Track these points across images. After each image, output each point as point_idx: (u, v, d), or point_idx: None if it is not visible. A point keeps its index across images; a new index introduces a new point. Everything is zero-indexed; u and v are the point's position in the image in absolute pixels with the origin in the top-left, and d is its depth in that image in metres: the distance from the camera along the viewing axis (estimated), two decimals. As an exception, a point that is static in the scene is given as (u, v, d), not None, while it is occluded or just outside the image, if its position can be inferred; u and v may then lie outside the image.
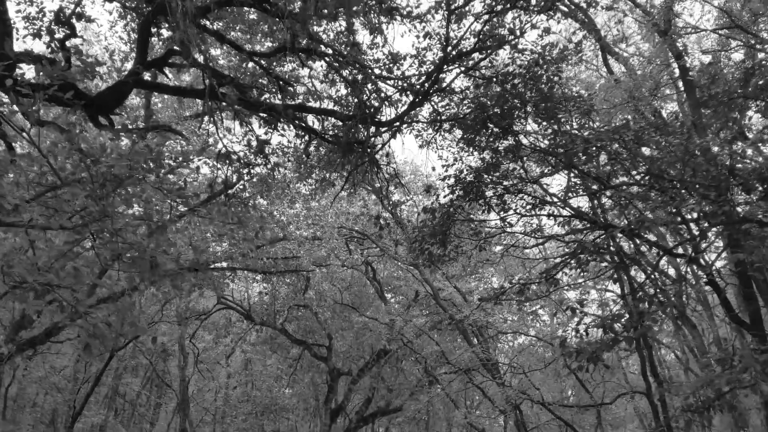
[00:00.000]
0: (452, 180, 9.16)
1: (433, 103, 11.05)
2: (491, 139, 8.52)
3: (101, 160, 4.73)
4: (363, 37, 11.10)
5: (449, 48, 8.42)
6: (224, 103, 9.10)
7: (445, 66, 8.57)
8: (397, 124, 9.95)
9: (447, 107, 11.13)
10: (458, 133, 13.03)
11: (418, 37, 10.16)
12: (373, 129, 11.25)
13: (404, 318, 21.19)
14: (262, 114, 9.81)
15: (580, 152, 7.08)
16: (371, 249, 20.98)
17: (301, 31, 10.64)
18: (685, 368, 20.34)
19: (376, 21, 11.26)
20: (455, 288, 19.17)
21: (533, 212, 10.19)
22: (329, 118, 12.43)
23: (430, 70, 9.30)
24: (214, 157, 9.18)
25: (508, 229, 12.20)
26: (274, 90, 11.47)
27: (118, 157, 5.25)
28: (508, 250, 13.24)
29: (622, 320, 6.35)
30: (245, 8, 12.57)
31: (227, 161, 8.80)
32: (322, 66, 11.90)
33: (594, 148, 6.94)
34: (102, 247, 6.56)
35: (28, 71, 10.20)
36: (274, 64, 11.98)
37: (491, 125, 8.27)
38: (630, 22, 17.44)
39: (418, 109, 11.61)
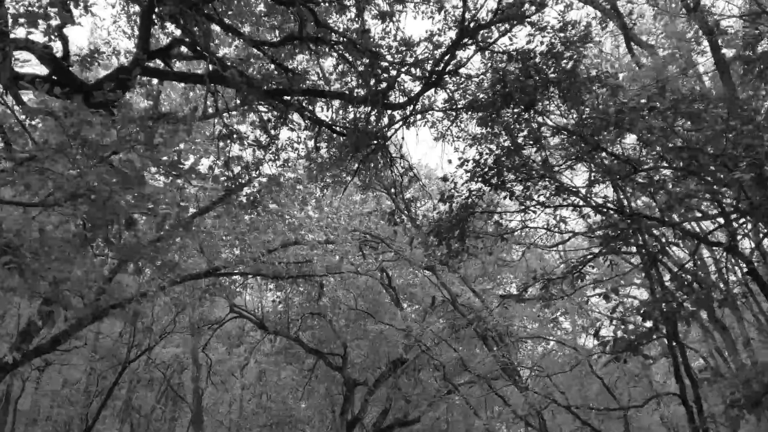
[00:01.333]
0: (471, 164, 8.60)
1: (448, 90, 10.54)
2: (514, 118, 7.96)
3: (72, 122, 4.22)
4: (374, 28, 10.59)
5: (466, 23, 7.89)
6: (228, 88, 8.64)
7: (462, 42, 8.02)
8: (411, 107, 9.42)
9: (463, 95, 10.62)
10: (475, 127, 12.50)
11: (432, 17, 9.68)
12: (386, 120, 10.76)
13: (421, 326, 20.58)
14: (267, 101, 9.30)
15: (611, 126, 6.50)
16: (386, 253, 20.39)
17: (308, 16, 10.19)
18: (714, 373, 19.52)
19: (388, 7, 10.79)
20: (473, 291, 18.54)
21: (557, 201, 9.60)
22: (339, 112, 11.97)
23: (444, 51, 8.78)
24: (216, 138, 8.67)
25: (530, 224, 11.61)
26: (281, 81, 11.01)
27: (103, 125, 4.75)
28: (529, 248, 12.64)
29: (663, 305, 5.76)
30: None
31: (230, 141, 8.29)
32: (333, 58, 11.44)
33: (626, 120, 6.36)
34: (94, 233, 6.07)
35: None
36: (284, 60, 11.52)
37: (512, 103, 7.71)
38: (650, 15, 16.91)
39: (433, 95, 11.10)
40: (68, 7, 9.04)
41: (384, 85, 9.76)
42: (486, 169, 8.55)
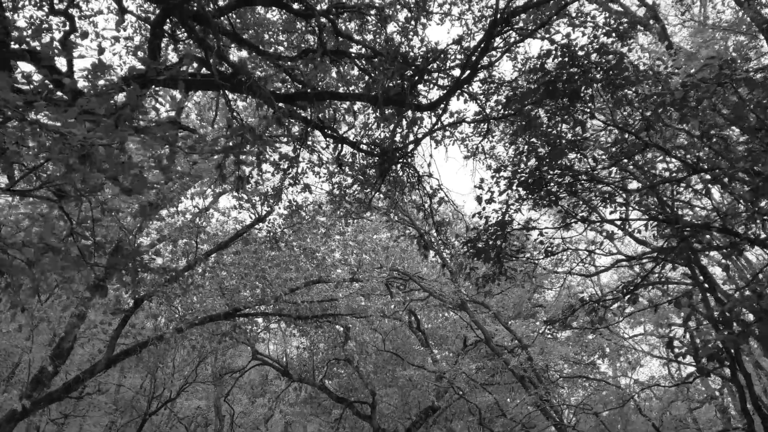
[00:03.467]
0: (509, 170, 7.74)
1: (479, 101, 9.79)
2: (558, 108, 7.13)
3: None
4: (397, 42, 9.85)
5: (500, 10, 7.14)
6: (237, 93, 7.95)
7: (497, 30, 7.26)
8: (442, 106, 8.65)
9: (495, 106, 9.87)
10: (507, 142, 11.69)
11: (460, 19, 9.02)
12: (411, 137, 10.02)
13: (454, 370, 19.45)
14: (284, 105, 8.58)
15: (674, 107, 5.64)
16: (414, 291, 19.44)
17: (330, 31, 9.61)
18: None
19: (412, 23, 10.18)
20: (507, 329, 17.45)
21: (604, 214, 8.70)
22: (362, 132, 11.28)
23: (477, 44, 8.01)
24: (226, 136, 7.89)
25: (572, 245, 10.71)
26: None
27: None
28: (570, 273, 11.66)
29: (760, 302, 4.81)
30: (269, 17, 11.69)
31: (241, 138, 7.50)
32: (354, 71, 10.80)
33: (692, 98, 5.50)
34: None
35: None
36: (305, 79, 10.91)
37: (555, 94, 6.89)
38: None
39: (464, 109, 10.35)
40: (71, 17, 8.53)
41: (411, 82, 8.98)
42: (527, 175, 7.70)
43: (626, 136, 7.43)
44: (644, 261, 10.73)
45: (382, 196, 15.79)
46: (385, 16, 9.87)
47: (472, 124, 10.86)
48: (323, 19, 9.65)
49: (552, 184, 7.62)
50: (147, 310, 16.71)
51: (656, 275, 10.14)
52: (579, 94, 6.82)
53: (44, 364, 14.64)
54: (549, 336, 14.58)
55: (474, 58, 7.33)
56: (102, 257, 5.45)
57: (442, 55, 8.53)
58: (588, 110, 7.46)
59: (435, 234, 11.17)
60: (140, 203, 5.11)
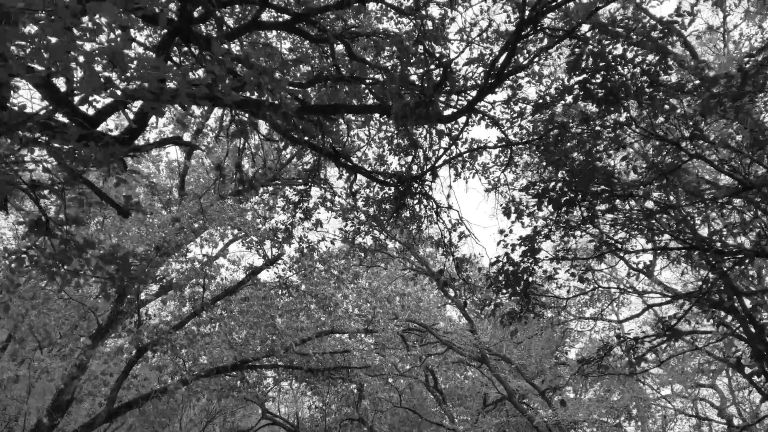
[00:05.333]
0: (539, 187, 7.08)
1: (501, 127, 9.22)
2: (596, 115, 6.51)
3: None
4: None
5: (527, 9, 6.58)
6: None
7: (523, 34, 6.70)
8: (464, 119, 8.06)
9: (519, 132, 9.31)
10: (524, 179, 11.09)
11: (482, 44, 8.57)
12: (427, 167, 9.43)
13: (474, 429, 18.33)
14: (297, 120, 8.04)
15: (726, 101, 5.02)
16: (431, 343, 18.53)
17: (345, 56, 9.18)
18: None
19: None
20: (531, 384, 16.44)
21: (642, 240, 8.00)
22: (376, 163, 10.77)
23: (502, 47, 7.47)
24: (227, 135, 7.30)
25: (602, 286, 9.96)
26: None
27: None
28: (602, 315, 10.83)
29: None
30: (282, 50, 11.32)
31: (243, 139, 6.90)
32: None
33: (751, 84, 4.89)
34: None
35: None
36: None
37: (592, 99, 6.30)
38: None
39: (486, 140, 9.79)
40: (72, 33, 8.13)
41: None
42: (558, 193, 7.04)
43: (666, 147, 6.79)
44: (687, 301, 9.94)
45: (397, 245, 15.17)
46: (404, 48, 9.38)
47: (494, 155, 10.29)
48: (337, 43, 9.26)
49: (586, 202, 6.96)
50: (151, 363, 15.92)
51: (694, 318, 9.32)
52: (616, 96, 6.22)
53: (41, 417, 13.82)
54: (585, 375, 13.59)
55: (502, 59, 6.76)
56: (83, 262, 4.82)
57: (463, 71, 8.01)
58: (624, 120, 6.85)
59: (455, 272, 10.41)
60: (125, 195, 4.49)
